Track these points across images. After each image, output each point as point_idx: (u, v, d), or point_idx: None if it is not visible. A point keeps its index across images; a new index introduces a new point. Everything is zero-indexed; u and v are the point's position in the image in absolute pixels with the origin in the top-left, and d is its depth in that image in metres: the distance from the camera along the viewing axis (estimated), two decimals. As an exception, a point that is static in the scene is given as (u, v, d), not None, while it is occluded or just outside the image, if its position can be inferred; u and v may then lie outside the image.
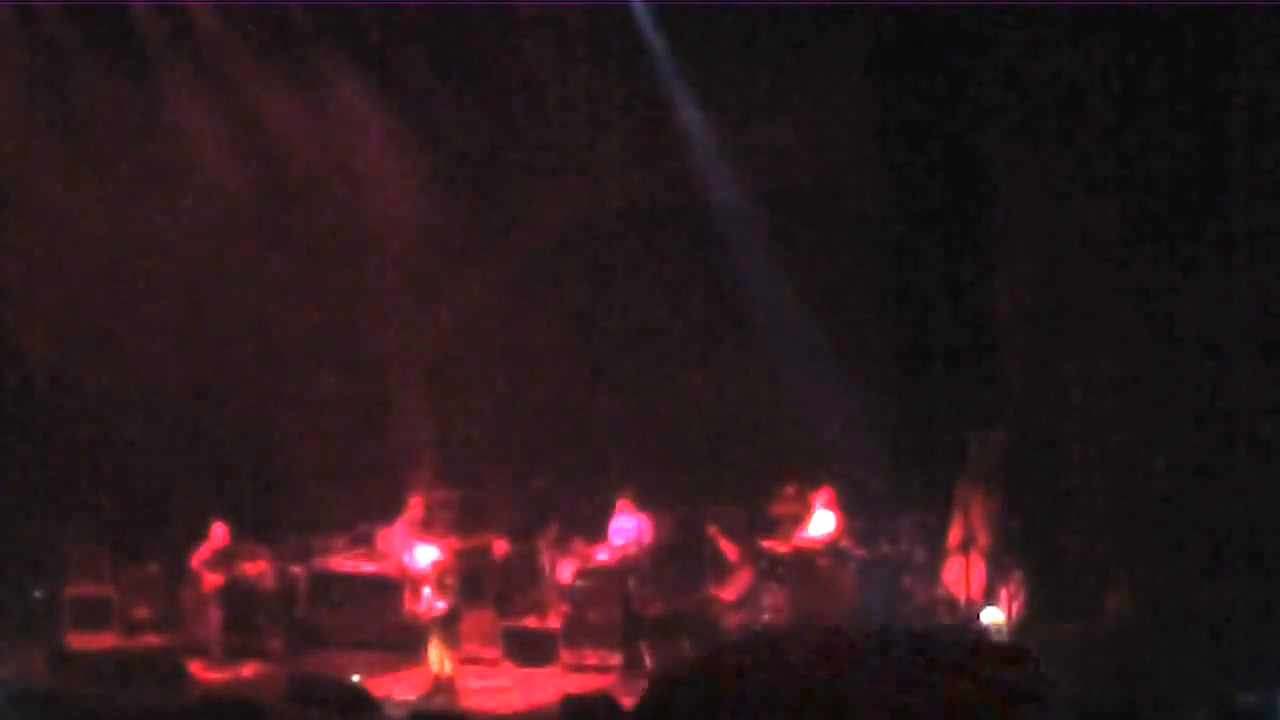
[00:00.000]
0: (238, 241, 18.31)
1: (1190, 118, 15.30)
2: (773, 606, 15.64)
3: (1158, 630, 14.40)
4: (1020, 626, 14.88)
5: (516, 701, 14.84)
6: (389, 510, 16.93)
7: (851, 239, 17.72)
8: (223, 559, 16.36)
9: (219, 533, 16.32)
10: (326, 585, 16.77)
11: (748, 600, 15.64)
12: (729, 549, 15.81)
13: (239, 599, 16.32)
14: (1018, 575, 15.13)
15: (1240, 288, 15.32)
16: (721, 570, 16.06)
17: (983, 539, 15.38)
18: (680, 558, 16.58)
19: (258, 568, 16.51)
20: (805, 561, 15.72)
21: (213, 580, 16.23)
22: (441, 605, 14.94)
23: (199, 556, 16.31)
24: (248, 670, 15.88)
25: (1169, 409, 15.76)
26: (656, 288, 18.63)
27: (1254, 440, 15.10)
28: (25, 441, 17.49)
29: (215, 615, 16.19)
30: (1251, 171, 15.19)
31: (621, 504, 16.62)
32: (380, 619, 16.21)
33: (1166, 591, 14.89)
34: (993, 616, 14.71)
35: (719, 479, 17.34)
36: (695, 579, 16.30)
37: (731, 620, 15.58)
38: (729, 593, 15.72)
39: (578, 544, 16.67)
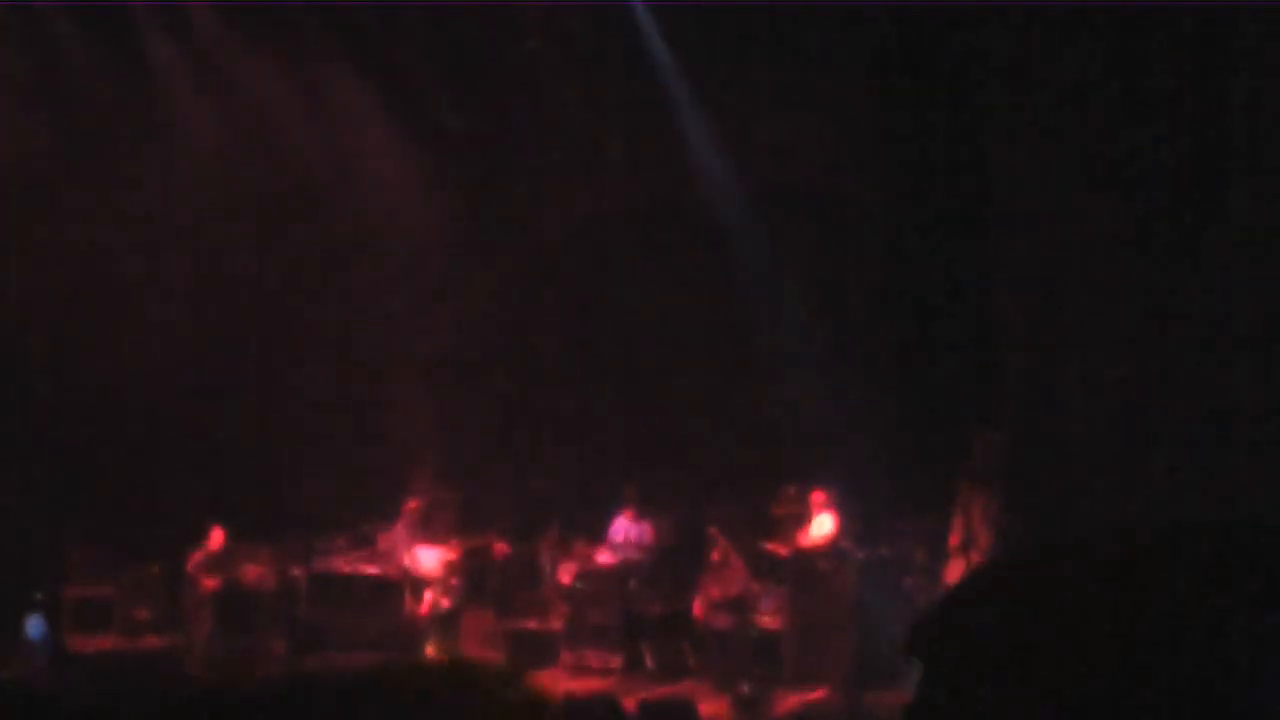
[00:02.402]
0: (238, 241, 18.31)
1: (1190, 117, 15.29)
2: (773, 608, 15.63)
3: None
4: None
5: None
6: (389, 510, 16.93)
7: (852, 239, 17.72)
8: (219, 562, 16.35)
9: (215, 536, 16.32)
10: (327, 586, 16.76)
11: (741, 600, 15.63)
12: (718, 550, 15.78)
13: (237, 602, 16.32)
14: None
15: (1240, 287, 15.31)
16: (707, 570, 16.03)
17: (983, 540, 15.33)
18: (680, 558, 16.58)
19: (255, 571, 16.50)
20: (806, 563, 15.71)
21: (209, 583, 16.23)
22: (443, 602, 14.96)
23: (194, 560, 16.32)
24: (249, 670, 15.86)
25: (1169, 409, 15.75)
26: (657, 288, 18.64)
27: (1254, 440, 15.09)
28: (25, 441, 17.47)
29: (209, 619, 16.19)
30: (1252, 171, 15.19)
31: (622, 505, 16.63)
32: (381, 620, 16.21)
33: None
34: None
35: (719, 479, 17.33)
36: (695, 579, 16.28)
37: (722, 620, 15.57)
38: (732, 588, 15.69)
39: (578, 545, 16.67)
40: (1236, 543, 2.31)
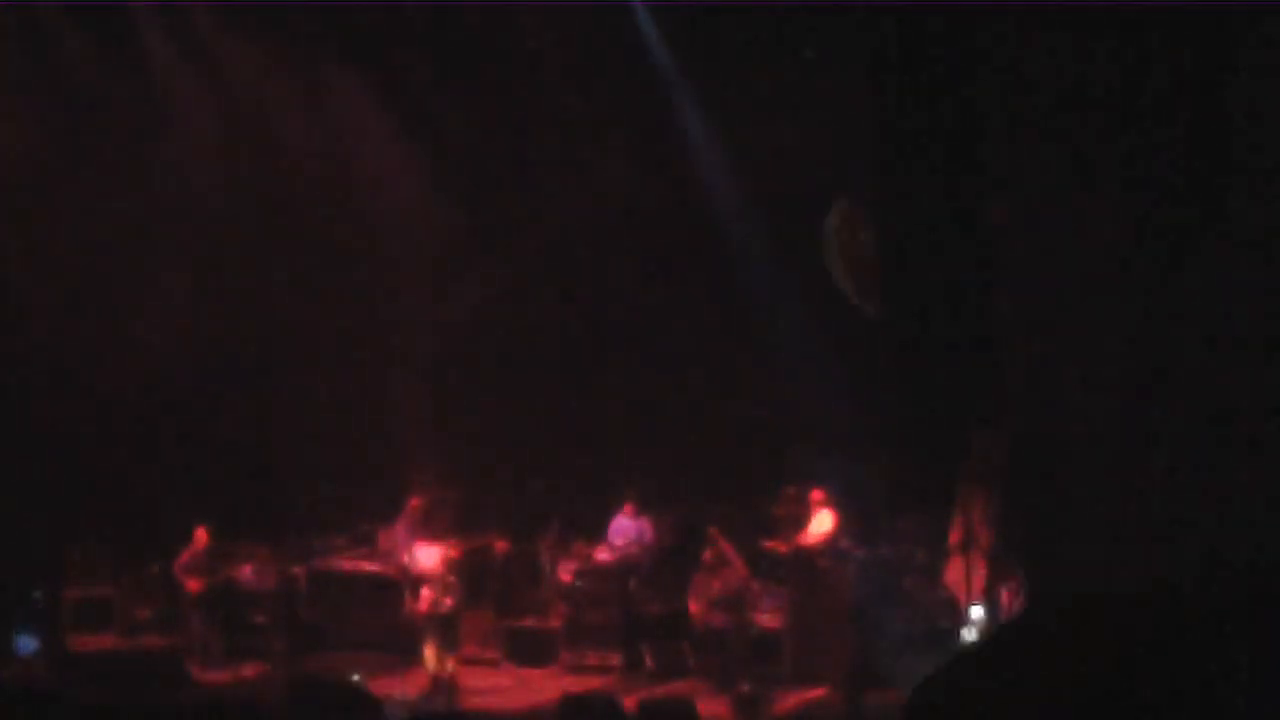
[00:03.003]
0: (238, 241, 18.28)
1: (1190, 117, 15.29)
2: (773, 607, 15.63)
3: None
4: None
5: (516, 701, 14.86)
6: (389, 509, 16.92)
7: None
8: (204, 562, 16.34)
9: (200, 537, 16.32)
10: (327, 585, 16.78)
11: (737, 598, 15.63)
12: (711, 551, 15.77)
13: (230, 600, 16.33)
14: (1018, 576, 15.12)
15: (1240, 287, 15.31)
16: (701, 571, 16.03)
17: (983, 539, 15.36)
18: (680, 558, 16.58)
19: (250, 570, 16.49)
20: (805, 561, 15.72)
21: (193, 584, 16.23)
22: (448, 602, 14.96)
23: (179, 561, 16.32)
24: (249, 670, 15.88)
25: (1169, 409, 15.75)
26: (657, 287, 18.67)
27: (1254, 440, 15.09)
28: (25, 441, 17.47)
29: (197, 619, 16.20)
30: (1252, 171, 15.19)
31: (622, 504, 16.63)
32: (381, 619, 16.22)
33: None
34: (977, 614, 14.71)
35: (719, 479, 17.32)
36: (693, 579, 16.26)
37: (719, 619, 15.57)
38: (728, 586, 15.68)
39: (578, 544, 16.68)
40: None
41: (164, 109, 17.85)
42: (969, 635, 13.26)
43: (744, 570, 15.74)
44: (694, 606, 15.69)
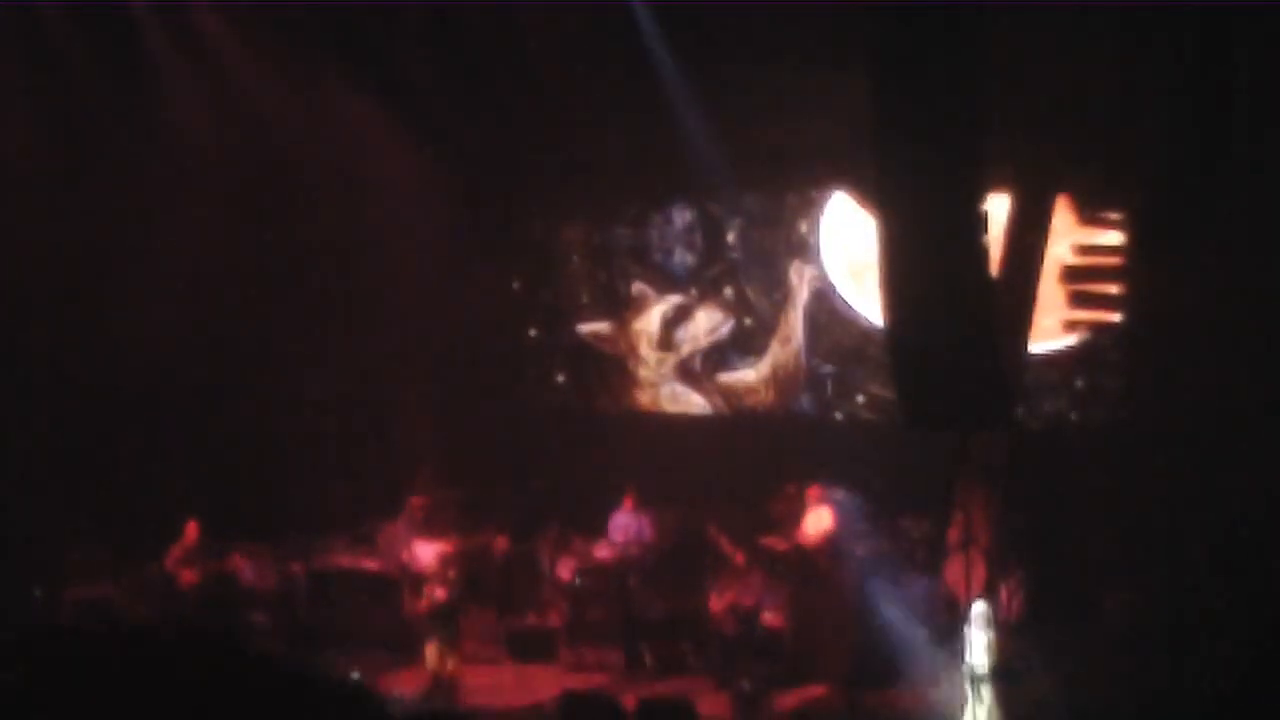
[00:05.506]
0: (239, 241, 18.27)
1: (1191, 116, 15.29)
2: (773, 606, 15.61)
3: (1158, 630, 14.39)
4: (1020, 626, 14.88)
5: (517, 699, 14.85)
6: (389, 509, 16.91)
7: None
8: (197, 556, 16.34)
9: (190, 531, 16.32)
10: (326, 583, 16.78)
11: (755, 609, 15.60)
12: (733, 552, 15.75)
13: (223, 594, 16.32)
14: (1018, 575, 15.12)
15: (1240, 288, 15.32)
16: (722, 571, 16.00)
17: (983, 538, 15.34)
18: (681, 557, 16.57)
19: (247, 565, 16.47)
20: (805, 560, 15.72)
21: (188, 577, 16.23)
22: (440, 594, 14.92)
23: (171, 557, 16.31)
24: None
25: (1170, 409, 15.77)
26: (656, 285, 18.69)
27: (1254, 440, 15.10)
28: (25, 440, 17.47)
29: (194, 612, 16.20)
30: (1253, 170, 15.20)
31: (623, 502, 16.63)
32: (380, 616, 16.21)
33: (1166, 591, 14.87)
34: (980, 609, 14.70)
35: (719, 478, 17.32)
36: (695, 579, 16.26)
37: (732, 626, 15.55)
38: (746, 597, 15.63)
39: (578, 542, 16.68)
40: None
41: (164, 109, 17.84)
42: (972, 631, 13.24)
43: (760, 579, 15.65)
44: (716, 605, 15.53)
